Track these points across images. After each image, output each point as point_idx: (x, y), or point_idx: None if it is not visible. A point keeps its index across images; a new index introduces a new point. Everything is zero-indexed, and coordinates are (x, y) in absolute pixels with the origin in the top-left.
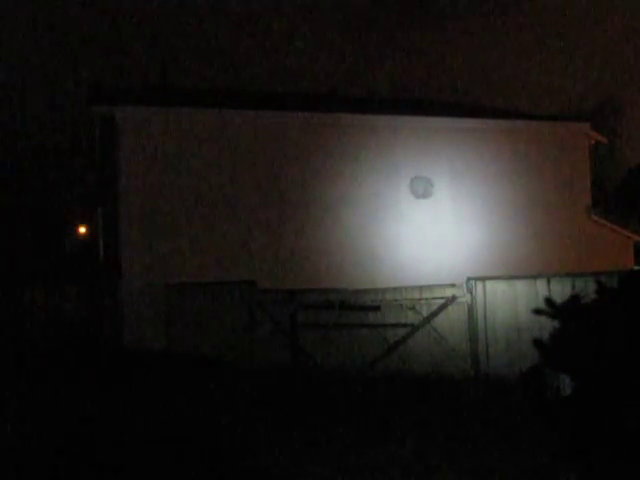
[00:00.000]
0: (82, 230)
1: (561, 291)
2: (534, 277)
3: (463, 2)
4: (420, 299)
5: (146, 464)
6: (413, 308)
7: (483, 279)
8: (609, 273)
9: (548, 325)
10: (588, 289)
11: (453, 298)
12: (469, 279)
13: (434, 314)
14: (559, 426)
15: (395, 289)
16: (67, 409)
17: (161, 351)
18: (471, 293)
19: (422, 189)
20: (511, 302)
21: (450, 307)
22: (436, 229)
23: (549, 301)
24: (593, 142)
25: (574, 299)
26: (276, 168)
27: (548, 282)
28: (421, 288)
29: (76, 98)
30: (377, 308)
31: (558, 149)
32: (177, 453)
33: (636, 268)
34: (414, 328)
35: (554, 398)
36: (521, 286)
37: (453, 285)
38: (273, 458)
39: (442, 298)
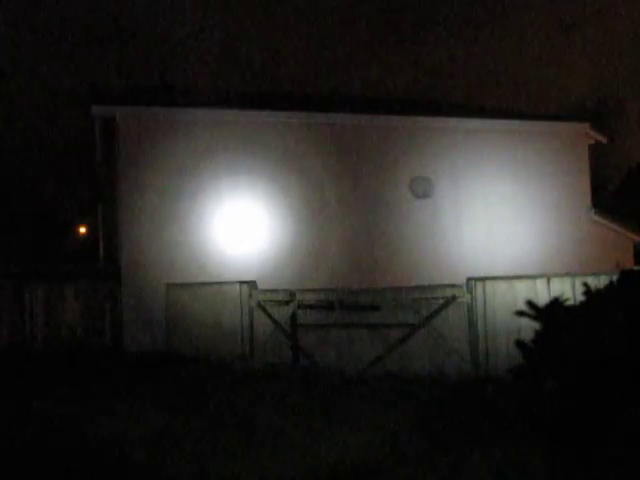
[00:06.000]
0: (82, 230)
1: (561, 291)
2: (534, 277)
3: (463, 0)
4: (420, 299)
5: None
6: (413, 308)
7: (483, 279)
8: (608, 273)
9: None
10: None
11: (453, 298)
12: (469, 279)
13: (434, 314)
14: (545, 419)
15: (395, 289)
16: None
17: (161, 351)
18: (471, 293)
19: (422, 189)
20: (511, 302)
21: (450, 307)
22: (436, 229)
23: (531, 304)
24: (593, 142)
25: (555, 302)
26: (275, 167)
27: (548, 282)
28: (421, 288)
29: (76, 98)
30: (377, 308)
31: (558, 149)
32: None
33: (636, 268)
34: (414, 328)
35: (539, 392)
36: (521, 286)
37: (453, 285)
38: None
39: (442, 298)
